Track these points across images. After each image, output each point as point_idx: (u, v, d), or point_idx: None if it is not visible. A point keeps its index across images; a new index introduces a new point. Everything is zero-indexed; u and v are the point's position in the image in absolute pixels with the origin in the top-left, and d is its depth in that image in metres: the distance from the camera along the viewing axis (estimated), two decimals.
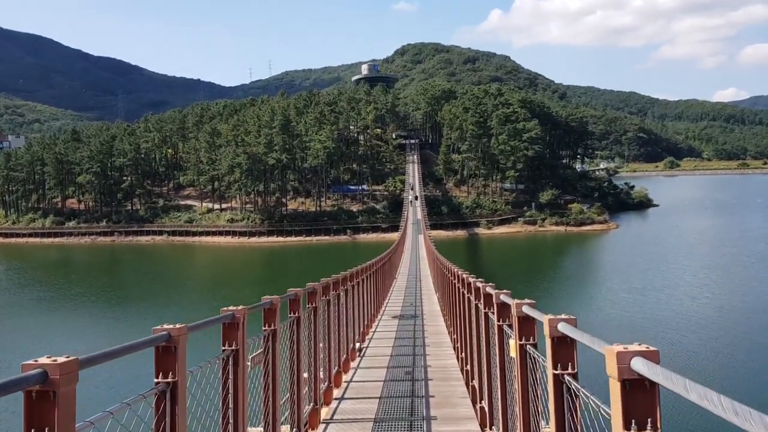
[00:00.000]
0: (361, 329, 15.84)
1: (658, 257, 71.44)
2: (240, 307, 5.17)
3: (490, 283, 7.85)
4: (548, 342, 3.96)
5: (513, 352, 5.20)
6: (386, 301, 25.53)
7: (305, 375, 8.23)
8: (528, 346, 5.00)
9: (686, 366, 28.37)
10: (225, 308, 5.10)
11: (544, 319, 4.03)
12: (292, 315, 7.71)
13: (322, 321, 9.61)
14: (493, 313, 6.76)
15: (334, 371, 10.49)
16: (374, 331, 17.87)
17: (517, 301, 5.02)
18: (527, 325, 5.01)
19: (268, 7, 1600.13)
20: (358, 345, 14.37)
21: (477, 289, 8.34)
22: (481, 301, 7.85)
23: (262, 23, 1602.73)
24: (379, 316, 20.94)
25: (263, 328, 6.37)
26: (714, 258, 69.44)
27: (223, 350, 5.04)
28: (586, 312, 41.29)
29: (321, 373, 9.36)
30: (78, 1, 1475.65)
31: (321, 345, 9.41)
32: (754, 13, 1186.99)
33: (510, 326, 5.81)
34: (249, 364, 4.69)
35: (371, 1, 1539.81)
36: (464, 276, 11.57)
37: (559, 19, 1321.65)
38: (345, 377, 11.54)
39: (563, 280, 61.82)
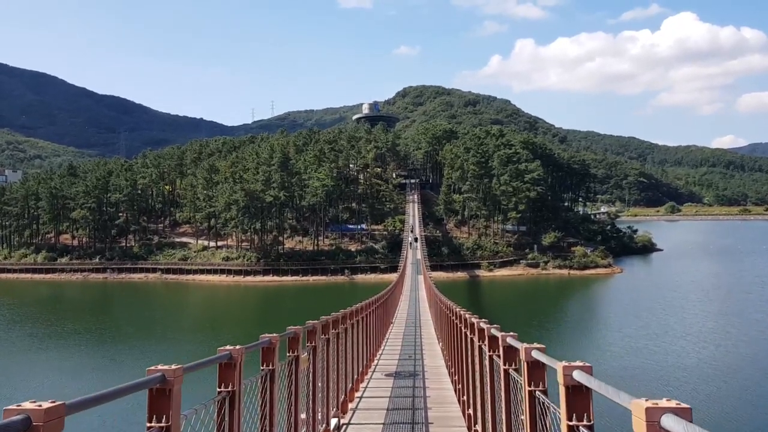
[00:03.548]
0: (343, 396, 12.28)
1: (673, 302, 69.21)
2: (237, 347, 4.84)
3: (496, 326, 7.42)
4: (562, 390, 3.77)
5: None
6: (380, 352, 21.84)
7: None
8: (537, 392, 4.72)
9: (722, 420, 25.81)
10: (222, 347, 4.76)
11: (558, 366, 3.84)
12: (290, 354, 7.35)
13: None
14: (498, 356, 6.42)
15: None
16: (361, 397, 14.06)
17: (526, 345, 4.76)
18: (537, 371, 4.75)
19: (270, 49, 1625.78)
20: (335, 421, 10.75)
21: (491, 337, 7.27)
22: (489, 347, 7.27)
23: (265, 65, 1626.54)
24: (369, 374, 17.14)
25: (261, 368, 6.02)
26: (731, 303, 67.33)
27: (219, 392, 4.71)
28: (605, 360, 38.96)
29: None
30: (84, 41, 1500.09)
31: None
32: (751, 62, 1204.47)
33: (517, 371, 5.54)
34: None
35: (373, 45, 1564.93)
36: (467, 316, 10.08)
37: (559, 66, 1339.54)
38: None
39: (574, 325, 59.43)
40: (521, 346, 4.92)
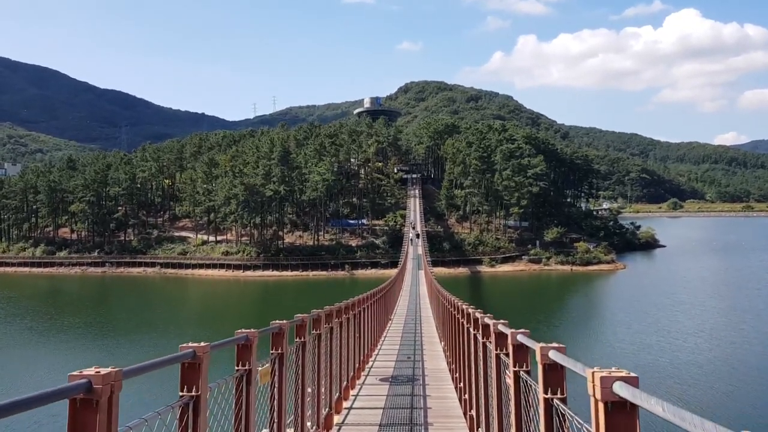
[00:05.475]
0: (327, 409, 10.52)
1: (681, 298, 68.13)
2: (110, 370, 3.41)
3: (524, 330, 6.26)
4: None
5: None
6: (376, 352, 20.18)
7: None
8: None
9: (742, 420, 24.79)
10: (75, 373, 3.47)
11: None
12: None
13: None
14: (527, 372, 5.66)
15: None
16: (350, 407, 12.11)
17: (601, 372, 3.51)
18: (619, 414, 3.43)
19: (272, 45, 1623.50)
20: None
21: (518, 347, 5.87)
22: (515, 360, 5.96)
23: (267, 60, 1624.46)
24: (362, 378, 15.29)
25: (180, 394, 4.88)
26: (743, 300, 66.20)
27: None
28: (617, 358, 37.80)
29: None
30: (86, 36, 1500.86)
31: None
32: (754, 59, 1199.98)
33: (564, 401, 4.57)
34: None
35: (375, 41, 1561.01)
36: (479, 316, 8.69)
37: (561, 62, 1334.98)
38: None
39: (581, 322, 58.31)
40: (589, 372, 3.17)
